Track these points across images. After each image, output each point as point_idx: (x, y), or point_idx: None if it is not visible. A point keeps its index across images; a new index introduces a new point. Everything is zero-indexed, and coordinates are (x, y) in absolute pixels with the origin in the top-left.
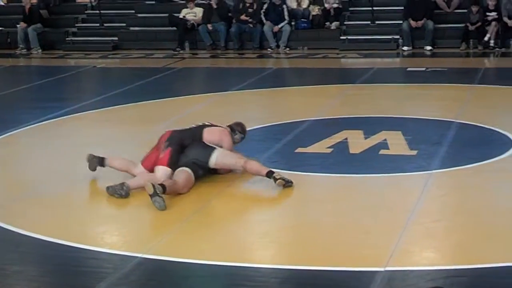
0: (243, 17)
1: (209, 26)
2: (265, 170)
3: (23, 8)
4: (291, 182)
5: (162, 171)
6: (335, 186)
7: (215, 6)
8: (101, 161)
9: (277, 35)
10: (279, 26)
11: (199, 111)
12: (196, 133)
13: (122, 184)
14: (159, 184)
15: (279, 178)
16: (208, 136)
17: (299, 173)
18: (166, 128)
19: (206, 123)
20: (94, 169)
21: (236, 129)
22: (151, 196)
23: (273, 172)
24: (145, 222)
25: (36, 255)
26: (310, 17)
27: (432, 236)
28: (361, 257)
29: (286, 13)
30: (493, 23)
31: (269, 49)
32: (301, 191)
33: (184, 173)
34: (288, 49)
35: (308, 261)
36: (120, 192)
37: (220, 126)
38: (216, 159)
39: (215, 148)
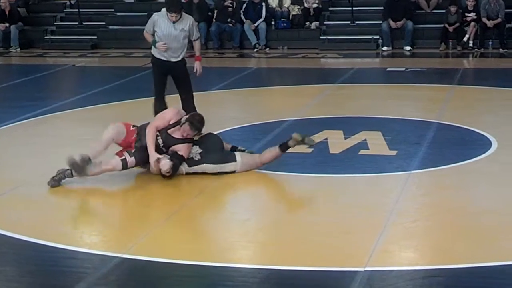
0: (227, 3)
1: None
2: None
3: (2, 9)
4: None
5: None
6: (315, 186)
7: (195, 2)
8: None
9: (256, 33)
10: (256, 24)
11: None
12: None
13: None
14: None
15: None
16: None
17: (279, 173)
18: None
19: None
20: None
21: (188, 117)
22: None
23: None
24: (125, 222)
25: (15, 255)
26: (290, 17)
27: (411, 236)
28: (341, 257)
29: (264, 10)
30: (472, 23)
31: (255, 49)
32: (281, 191)
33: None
34: (268, 48)
35: (288, 261)
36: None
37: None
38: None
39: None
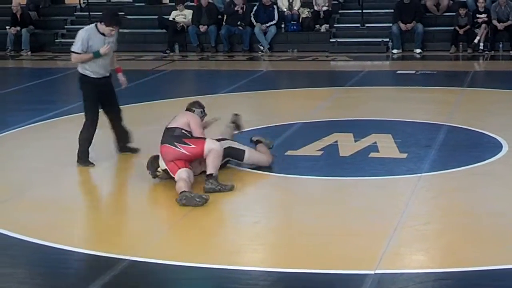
0: (237, 7)
1: (201, 28)
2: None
3: (13, 13)
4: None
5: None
6: (325, 189)
7: (204, 5)
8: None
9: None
10: (267, 25)
11: None
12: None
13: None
14: None
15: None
16: (176, 123)
17: (289, 176)
18: (155, 131)
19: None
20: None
21: (193, 107)
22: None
23: None
24: (134, 225)
25: (25, 257)
26: (300, 20)
27: (422, 239)
28: (351, 260)
29: (275, 13)
30: (483, 25)
31: (259, 52)
32: (291, 193)
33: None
34: (270, 51)
35: (298, 264)
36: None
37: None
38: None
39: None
